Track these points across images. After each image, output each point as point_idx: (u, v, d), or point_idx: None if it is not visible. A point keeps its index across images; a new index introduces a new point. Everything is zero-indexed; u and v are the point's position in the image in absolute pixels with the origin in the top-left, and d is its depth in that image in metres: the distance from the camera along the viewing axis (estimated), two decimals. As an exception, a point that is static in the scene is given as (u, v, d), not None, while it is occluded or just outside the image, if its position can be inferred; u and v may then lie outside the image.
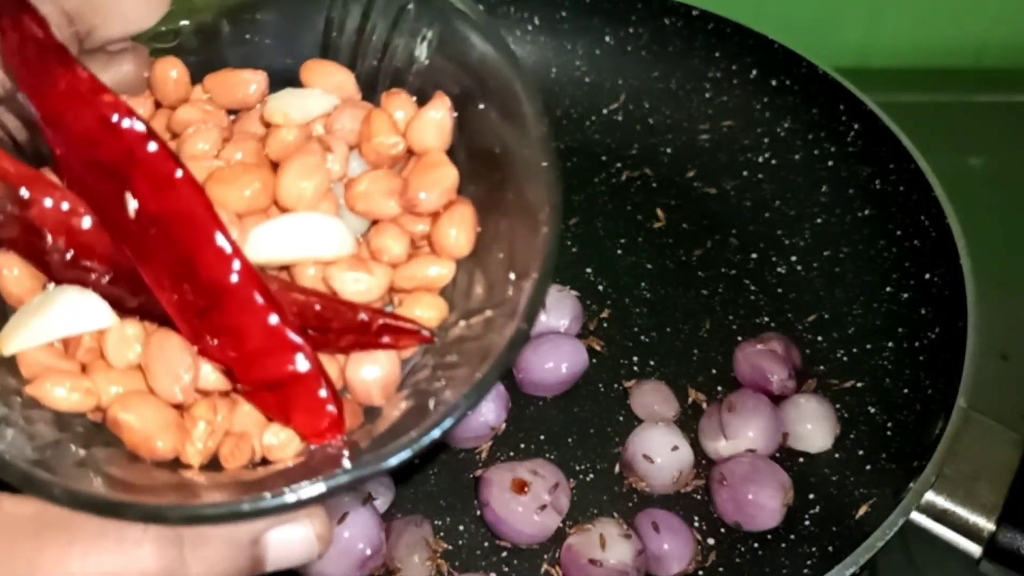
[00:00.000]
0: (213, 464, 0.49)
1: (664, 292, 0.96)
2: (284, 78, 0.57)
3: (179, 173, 0.46)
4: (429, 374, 0.50)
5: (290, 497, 0.42)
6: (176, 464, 0.48)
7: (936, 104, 1.28)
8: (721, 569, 0.80)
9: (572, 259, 0.98)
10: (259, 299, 0.46)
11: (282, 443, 0.49)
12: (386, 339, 0.49)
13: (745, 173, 1.04)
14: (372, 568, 0.78)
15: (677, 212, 1.02)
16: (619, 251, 0.99)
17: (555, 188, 0.49)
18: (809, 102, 1.03)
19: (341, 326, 0.49)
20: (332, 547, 0.74)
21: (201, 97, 0.57)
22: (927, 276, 0.91)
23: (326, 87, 0.56)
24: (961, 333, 0.83)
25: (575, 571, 0.78)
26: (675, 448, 0.83)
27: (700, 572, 0.80)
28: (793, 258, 0.98)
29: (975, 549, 0.77)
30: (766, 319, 0.94)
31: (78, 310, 0.48)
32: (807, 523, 0.82)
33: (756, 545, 0.81)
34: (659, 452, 0.83)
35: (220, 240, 0.46)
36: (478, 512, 0.82)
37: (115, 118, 0.45)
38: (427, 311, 0.52)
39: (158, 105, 0.57)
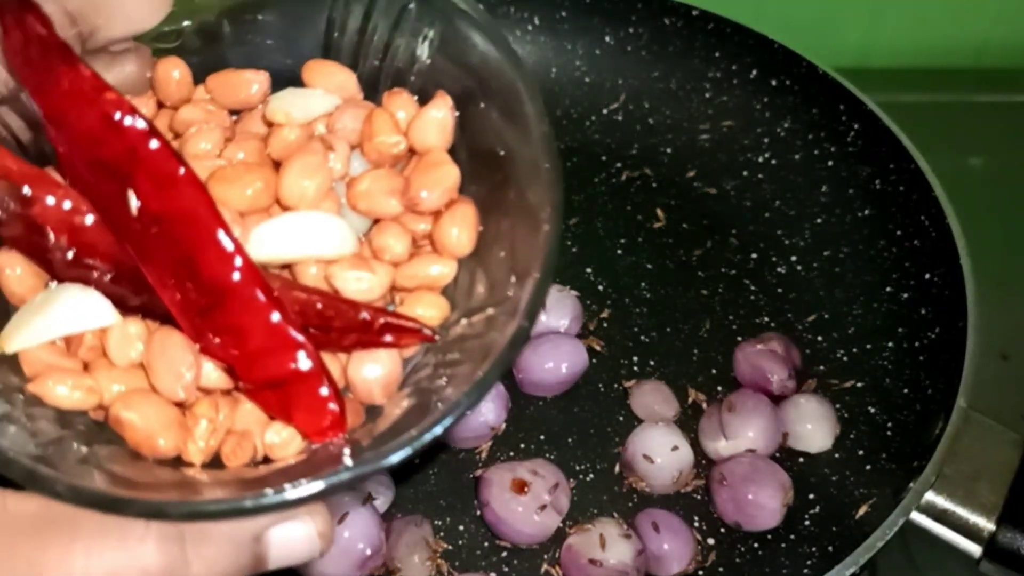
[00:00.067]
0: (215, 463, 0.49)
1: (664, 292, 0.96)
2: (286, 78, 0.57)
3: (182, 171, 0.46)
4: (431, 372, 0.50)
5: (291, 494, 0.42)
6: (178, 462, 0.48)
7: (936, 104, 1.28)
8: (721, 569, 0.80)
9: (572, 259, 0.98)
10: (261, 297, 0.46)
11: (284, 441, 0.49)
12: (388, 338, 0.49)
13: (745, 173, 1.04)
14: (372, 568, 0.78)
15: (677, 212, 1.02)
16: (619, 251, 0.99)
17: (556, 187, 0.49)
18: (809, 102, 1.04)
19: (343, 325, 0.49)
20: (332, 547, 0.75)
21: (203, 97, 0.57)
22: (927, 276, 0.91)
23: (328, 87, 0.56)
24: (961, 333, 0.83)
25: (575, 571, 0.78)
26: (675, 448, 0.83)
27: (700, 572, 0.80)
28: (793, 258, 0.98)
29: (975, 549, 0.77)
30: (766, 319, 0.94)
31: (80, 308, 0.48)
32: (807, 523, 0.82)
33: (756, 545, 0.81)
34: (659, 452, 0.83)
35: (222, 238, 0.46)
36: (478, 512, 0.82)
37: (118, 116, 0.46)
38: (429, 310, 0.52)
39: (161, 105, 0.57)
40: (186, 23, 0.57)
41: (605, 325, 0.94)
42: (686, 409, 0.88)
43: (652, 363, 0.92)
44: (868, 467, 0.84)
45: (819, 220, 1.00)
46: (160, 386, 0.48)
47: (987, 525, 0.77)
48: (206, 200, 0.46)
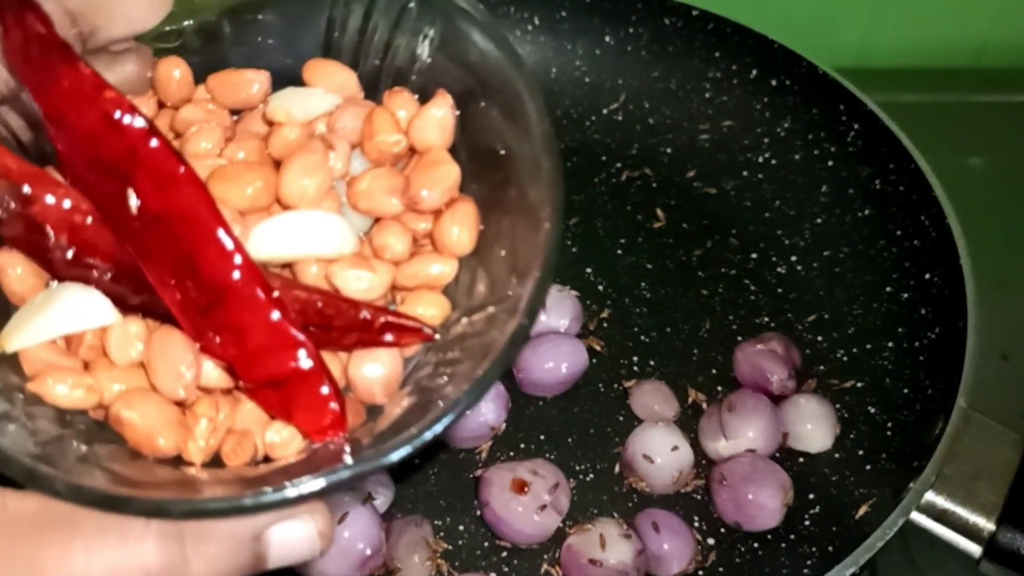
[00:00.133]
0: (215, 462, 0.49)
1: (664, 292, 0.96)
2: (287, 78, 0.57)
3: (181, 170, 0.46)
4: (431, 371, 0.50)
5: (291, 492, 0.42)
6: (178, 462, 0.48)
7: (936, 104, 1.28)
8: (721, 569, 0.80)
9: (572, 259, 0.98)
10: (261, 296, 0.46)
11: (284, 441, 0.49)
12: (388, 337, 0.49)
13: (745, 173, 1.05)
14: (372, 568, 0.78)
15: (677, 212, 1.02)
16: (619, 251, 0.99)
17: (557, 186, 0.49)
18: (809, 102, 1.04)
19: (343, 324, 0.49)
20: (332, 547, 0.75)
21: (204, 97, 0.57)
22: (927, 276, 0.91)
23: (328, 86, 0.56)
24: (961, 333, 0.83)
25: (575, 571, 0.78)
26: (675, 448, 0.83)
27: (700, 572, 0.80)
28: (793, 258, 0.98)
29: (975, 549, 0.77)
30: (766, 319, 0.94)
31: (80, 307, 0.48)
32: (807, 523, 0.82)
33: (756, 545, 0.81)
34: (659, 452, 0.83)
35: (222, 237, 0.46)
36: (478, 512, 0.82)
37: (118, 115, 0.45)
38: (429, 309, 0.52)
39: (161, 105, 0.57)
40: (187, 23, 0.57)
41: (605, 325, 0.94)
42: (686, 409, 0.88)
43: (652, 363, 0.92)
44: (868, 467, 0.84)
45: (819, 220, 1.00)
46: (160, 385, 0.48)
47: (987, 525, 0.77)
48: (206, 199, 0.46)
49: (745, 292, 0.96)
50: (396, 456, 0.44)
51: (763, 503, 0.80)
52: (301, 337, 0.47)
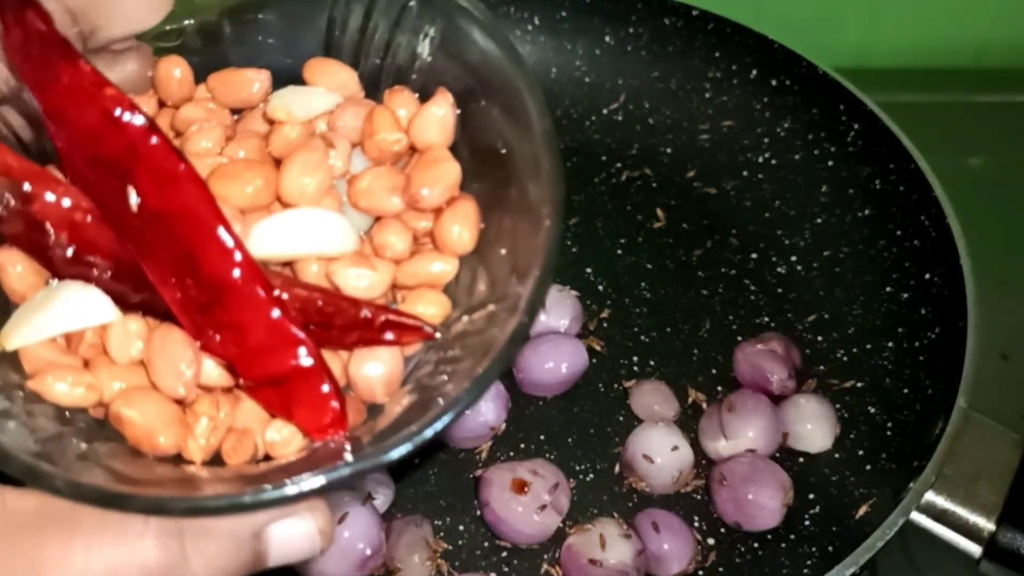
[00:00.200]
0: (215, 461, 0.49)
1: (664, 292, 0.96)
2: (287, 77, 0.57)
3: (182, 168, 0.46)
4: (431, 369, 0.50)
5: (291, 489, 0.42)
6: (178, 460, 0.48)
7: (936, 104, 1.28)
8: (721, 569, 0.80)
9: (572, 259, 0.98)
10: (261, 294, 0.46)
11: (284, 439, 0.49)
12: (389, 335, 0.49)
13: (745, 173, 1.05)
14: (372, 568, 0.78)
15: (677, 212, 1.02)
16: (619, 251, 0.99)
17: (557, 184, 0.49)
18: (809, 102, 1.04)
19: (344, 322, 0.49)
20: (332, 547, 0.75)
21: (205, 96, 0.57)
22: (927, 276, 0.91)
23: (329, 85, 0.56)
24: (961, 333, 0.83)
25: (575, 571, 0.78)
26: (675, 448, 0.83)
27: (700, 572, 0.80)
28: (793, 258, 0.98)
29: (975, 549, 0.77)
30: (766, 319, 0.94)
31: (81, 306, 0.48)
32: (807, 523, 0.82)
33: (756, 545, 0.81)
34: (659, 452, 0.83)
35: (223, 235, 0.46)
36: (478, 512, 0.82)
37: (118, 112, 0.45)
38: (430, 308, 0.52)
39: (162, 104, 0.57)
40: (187, 22, 0.57)
41: (605, 325, 0.94)
42: (686, 409, 0.88)
43: (652, 363, 0.92)
44: (868, 467, 0.84)
45: (819, 220, 1.00)
46: (160, 383, 0.48)
47: (987, 525, 0.77)
48: (206, 196, 0.46)
49: (745, 292, 0.96)
50: (396, 454, 0.44)
51: (763, 503, 0.80)
52: (301, 335, 0.47)
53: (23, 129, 0.53)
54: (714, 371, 0.91)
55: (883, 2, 1.28)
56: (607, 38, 1.10)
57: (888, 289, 0.94)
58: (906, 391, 0.87)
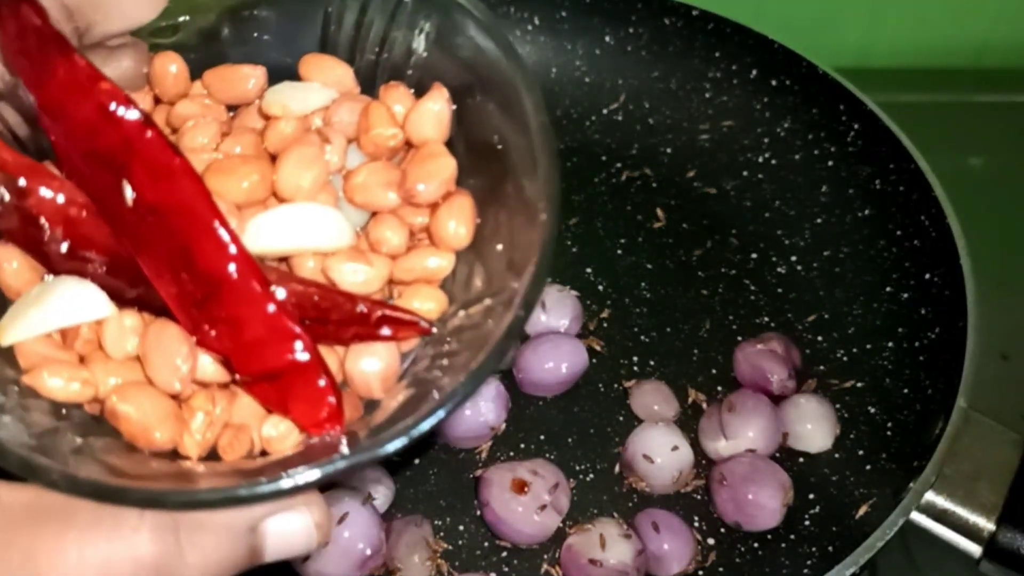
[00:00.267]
0: (212, 457, 0.49)
1: (664, 292, 0.96)
2: (283, 73, 0.57)
3: (177, 162, 0.46)
4: (428, 364, 0.50)
5: (286, 482, 0.42)
6: (174, 455, 0.48)
7: (936, 104, 1.28)
8: (721, 569, 0.80)
9: (572, 259, 0.98)
10: (257, 288, 0.46)
11: (281, 435, 0.49)
12: (386, 331, 0.49)
13: (745, 173, 1.05)
14: (372, 568, 0.78)
15: (677, 212, 1.02)
16: (619, 251, 0.99)
17: (554, 179, 0.49)
18: (809, 102, 1.04)
19: (340, 317, 0.49)
20: (332, 547, 0.75)
21: (200, 92, 0.57)
22: (927, 276, 0.91)
23: (325, 81, 0.57)
24: (961, 333, 0.83)
25: (575, 571, 0.78)
26: (675, 448, 0.83)
27: (700, 572, 0.80)
28: (793, 258, 0.98)
29: (975, 549, 0.77)
30: (766, 319, 0.94)
31: (76, 301, 0.48)
32: (807, 523, 0.82)
33: (756, 545, 0.81)
34: (659, 452, 0.83)
35: (219, 229, 0.46)
36: (478, 512, 0.82)
37: (113, 107, 0.46)
38: (427, 303, 0.52)
39: (157, 100, 0.57)
40: (183, 18, 0.57)
41: (605, 325, 0.94)
42: (686, 409, 0.88)
43: (652, 363, 0.91)
44: (868, 467, 0.84)
45: (819, 220, 1.00)
46: (156, 378, 0.48)
47: (987, 525, 0.77)
48: (202, 191, 0.46)
49: (745, 292, 0.96)
50: (392, 447, 0.44)
51: (763, 503, 0.80)
52: (297, 330, 0.47)
53: (19, 125, 0.53)
54: (714, 371, 0.91)
55: (883, 2, 1.28)
56: (607, 38, 1.10)
57: (888, 289, 0.94)
58: (906, 391, 0.87)
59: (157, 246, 0.47)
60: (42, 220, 0.48)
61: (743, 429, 0.83)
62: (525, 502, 0.79)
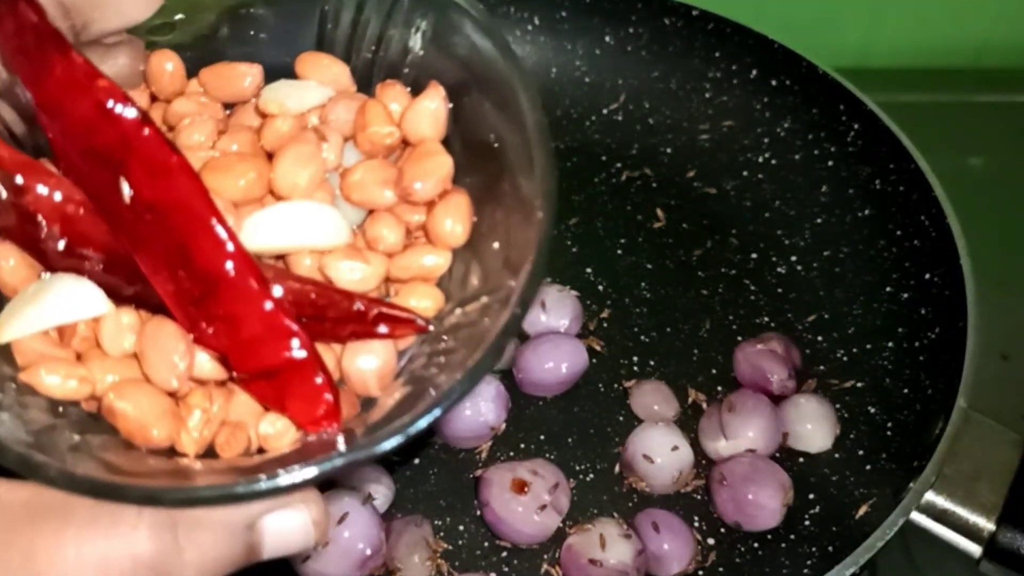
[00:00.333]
0: (209, 454, 0.49)
1: (664, 292, 0.96)
2: (280, 72, 0.57)
3: (174, 159, 0.46)
4: (425, 361, 0.50)
5: (284, 479, 0.42)
6: (171, 453, 0.48)
7: (936, 104, 1.28)
8: (721, 569, 0.80)
9: (572, 259, 0.98)
10: (255, 286, 0.46)
11: (278, 432, 0.49)
12: (383, 328, 0.49)
13: (745, 173, 1.05)
14: (372, 568, 0.78)
15: (677, 212, 1.02)
16: (619, 251, 0.99)
17: (550, 177, 0.49)
18: (809, 102, 1.04)
19: (337, 315, 0.49)
20: (332, 547, 0.75)
21: (197, 90, 0.57)
22: (927, 276, 0.91)
23: (321, 79, 0.56)
24: (961, 333, 0.83)
25: (575, 571, 0.78)
26: (675, 448, 0.83)
27: (700, 572, 0.80)
28: (793, 258, 0.98)
29: (975, 549, 0.77)
30: (766, 319, 0.94)
31: (73, 298, 0.48)
32: (807, 523, 0.82)
33: (756, 545, 0.81)
34: (659, 452, 0.83)
35: (216, 227, 0.46)
36: (478, 512, 0.82)
37: (110, 104, 0.46)
38: (423, 301, 0.52)
39: (154, 98, 0.57)
40: (179, 16, 0.57)
41: (605, 325, 0.94)
42: (686, 409, 0.88)
43: (652, 363, 0.91)
44: (868, 467, 0.84)
45: (819, 220, 1.00)
46: (153, 376, 0.48)
47: (987, 525, 0.76)
48: (199, 188, 0.46)
49: (745, 292, 0.96)
50: (389, 444, 0.44)
51: (763, 503, 0.80)
52: (295, 327, 0.47)
53: (16, 123, 0.53)
54: (714, 371, 0.91)
55: (883, 2, 1.28)
56: (607, 38, 1.10)
57: (888, 289, 0.94)
58: (906, 391, 0.87)
59: (154, 243, 0.47)
60: (39, 217, 0.48)
61: (743, 429, 0.83)
62: (525, 502, 0.79)
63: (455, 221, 0.52)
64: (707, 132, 1.07)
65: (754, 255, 0.99)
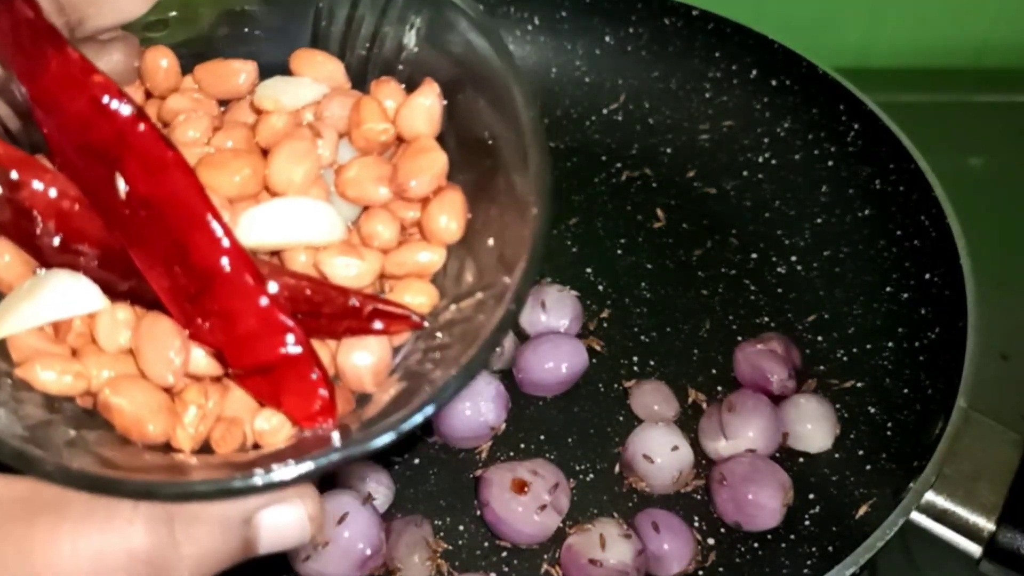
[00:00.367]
0: (204, 450, 0.49)
1: (664, 292, 0.96)
2: (274, 69, 0.57)
3: (170, 155, 0.46)
4: (420, 357, 0.50)
5: (280, 474, 0.42)
6: (167, 449, 0.48)
7: (936, 104, 1.28)
8: (721, 569, 0.80)
9: (572, 259, 0.98)
10: (250, 282, 0.46)
11: (274, 428, 0.49)
12: (378, 324, 0.49)
13: (745, 173, 1.05)
14: (372, 568, 0.78)
15: (677, 212, 1.02)
16: (619, 251, 0.99)
17: (544, 174, 0.49)
18: (809, 102, 1.04)
19: (332, 311, 0.49)
20: (332, 547, 0.75)
21: (191, 87, 0.57)
22: (927, 276, 0.91)
23: (316, 76, 0.56)
24: (961, 333, 0.83)
25: (575, 571, 0.78)
26: (675, 448, 0.83)
27: (700, 572, 0.80)
28: (793, 258, 0.98)
29: (975, 549, 0.77)
30: (766, 319, 0.94)
31: (69, 294, 0.48)
32: (807, 523, 0.82)
33: (756, 545, 0.81)
34: (659, 452, 0.83)
35: (212, 223, 0.46)
36: (478, 512, 0.82)
37: (106, 100, 0.46)
38: (418, 297, 0.52)
39: (148, 95, 0.57)
40: (174, 13, 0.57)
41: (605, 325, 0.94)
42: (686, 409, 0.88)
43: (652, 363, 0.91)
44: (868, 467, 0.84)
45: (819, 220, 1.00)
46: (149, 371, 0.48)
47: (987, 525, 0.77)
48: (195, 184, 0.46)
49: (745, 292, 0.96)
50: (384, 440, 0.44)
51: (763, 503, 0.80)
52: (290, 323, 0.47)
53: (11, 118, 0.53)
54: (714, 371, 0.91)
55: (883, 2, 1.28)
56: (607, 38, 1.10)
57: (888, 289, 0.94)
58: (906, 391, 0.87)
59: (150, 239, 0.47)
60: (35, 213, 0.48)
61: (743, 429, 0.83)
62: (525, 502, 0.79)
63: (450, 217, 0.52)
64: (707, 132, 1.07)
65: (754, 255, 0.99)
